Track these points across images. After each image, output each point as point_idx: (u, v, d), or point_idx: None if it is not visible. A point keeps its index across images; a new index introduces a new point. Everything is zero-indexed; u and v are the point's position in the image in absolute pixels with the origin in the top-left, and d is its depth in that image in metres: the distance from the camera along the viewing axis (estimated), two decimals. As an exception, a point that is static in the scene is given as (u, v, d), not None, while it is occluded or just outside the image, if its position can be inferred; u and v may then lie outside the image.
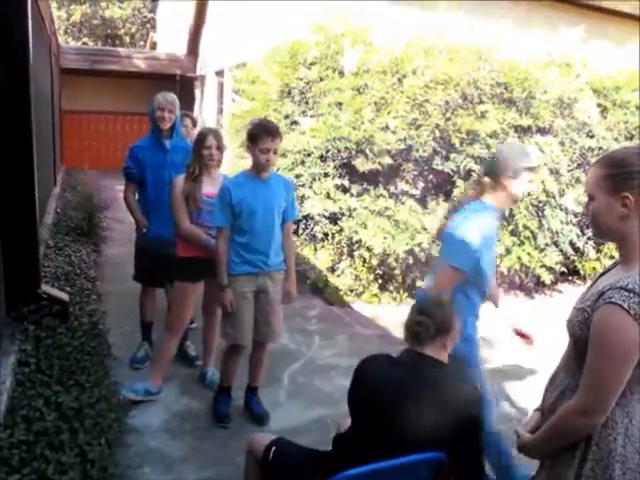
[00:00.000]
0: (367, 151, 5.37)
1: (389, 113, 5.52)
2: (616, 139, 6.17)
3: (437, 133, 5.54)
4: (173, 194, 3.49)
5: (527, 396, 3.22)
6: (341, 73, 5.92)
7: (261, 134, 3.08)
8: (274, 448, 2.17)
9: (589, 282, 1.75)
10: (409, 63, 5.75)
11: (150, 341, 4.20)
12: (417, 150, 5.50)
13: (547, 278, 5.90)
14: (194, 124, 4.88)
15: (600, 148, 6.02)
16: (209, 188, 3.46)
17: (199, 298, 3.77)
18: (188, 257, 3.50)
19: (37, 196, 3.39)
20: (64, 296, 3.58)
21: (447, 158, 5.65)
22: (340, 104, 5.70)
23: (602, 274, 1.69)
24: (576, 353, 1.61)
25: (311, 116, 5.84)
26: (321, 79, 5.96)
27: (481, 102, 5.74)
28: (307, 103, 6.01)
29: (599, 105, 6.23)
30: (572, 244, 6.05)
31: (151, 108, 3.91)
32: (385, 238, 5.34)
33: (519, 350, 4.71)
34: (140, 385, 3.52)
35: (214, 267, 3.37)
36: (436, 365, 1.98)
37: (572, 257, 6.12)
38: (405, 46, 5.93)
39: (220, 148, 3.51)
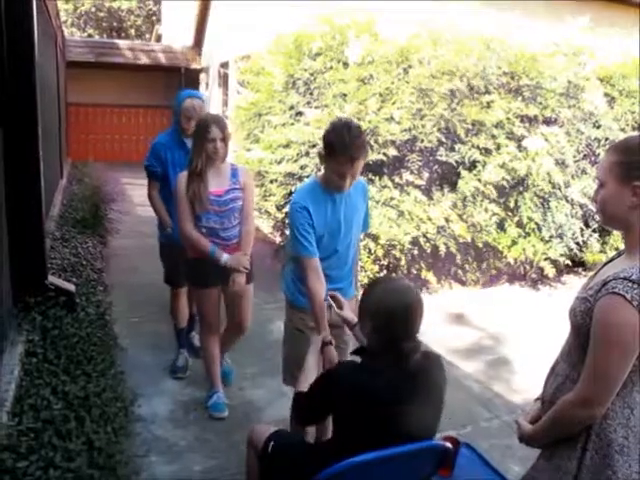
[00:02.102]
0: (372, 142, 5.35)
1: (394, 104, 5.51)
2: (623, 129, 6.12)
3: (442, 123, 5.52)
4: (177, 193, 3.15)
5: (530, 386, 3.23)
6: (346, 64, 5.90)
7: (338, 152, 2.37)
8: (272, 443, 2.16)
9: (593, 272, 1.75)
10: (415, 53, 5.73)
11: (187, 347, 4.09)
12: (422, 141, 5.49)
13: (550, 271, 5.88)
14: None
15: (607, 139, 5.98)
16: (216, 185, 3.17)
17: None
18: (197, 258, 3.25)
19: (43, 188, 3.41)
20: (71, 287, 3.59)
21: (452, 149, 5.64)
22: (345, 95, 5.68)
23: (606, 263, 1.68)
24: (578, 343, 1.61)
25: (316, 107, 5.83)
26: (326, 70, 5.95)
27: (487, 92, 5.71)
28: (312, 94, 5.99)
29: (606, 95, 6.18)
30: (576, 236, 6.02)
31: (177, 106, 3.72)
32: (391, 227, 5.34)
33: (522, 340, 4.72)
34: (216, 399, 3.42)
35: (228, 272, 3.16)
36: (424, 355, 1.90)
37: (577, 249, 6.09)
38: (411, 36, 5.90)
39: (225, 139, 3.13)
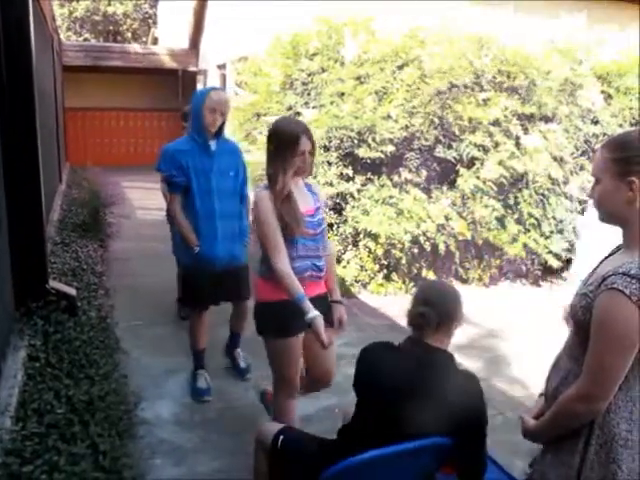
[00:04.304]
0: (369, 140, 5.36)
1: (390, 102, 5.52)
2: (621, 125, 6.14)
3: (438, 121, 5.53)
4: (263, 218, 2.50)
5: (533, 382, 3.24)
6: (342, 63, 5.91)
7: None
8: (282, 437, 2.19)
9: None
10: (409, 52, 5.74)
11: (234, 368, 3.83)
12: (419, 138, 5.50)
13: (555, 263, 5.90)
14: None
15: (605, 134, 5.99)
16: (303, 204, 2.59)
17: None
18: (282, 301, 2.49)
19: (43, 193, 3.42)
20: (72, 291, 3.60)
21: (450, 146, 5.65)
22: (342, 94, 5.69)
23: (605, 258, 1.68)
24: (579, 338, 1.61)
25: (313, 107, 5.84)
26: (323, 70, 5.96)
27: (483, 90, 5.72)
28: (309, 94, 6.01)
29: (603, 92, 6.20)
30: (576, 231, 6.04)
31: (197, 105, 3.29)
32: (390, 225, 5.36)
33: (525, 336, 4.73)
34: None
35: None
36: (438, 353, 1.97)
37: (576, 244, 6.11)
38: (405, 35, 5.91)
39: (313, 151, 2.57)
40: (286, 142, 2.49)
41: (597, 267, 1.67)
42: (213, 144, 3.36)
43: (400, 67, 5.72)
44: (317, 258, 2.62)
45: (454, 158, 5.63)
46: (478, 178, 5.57)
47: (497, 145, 5.64)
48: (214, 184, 3.33)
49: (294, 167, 2.51)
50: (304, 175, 2.64)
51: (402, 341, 2.05)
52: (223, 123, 3.36)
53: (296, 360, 2.66)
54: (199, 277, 3.44)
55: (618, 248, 1.67)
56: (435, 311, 1.95)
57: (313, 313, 2.39)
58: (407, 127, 5.43)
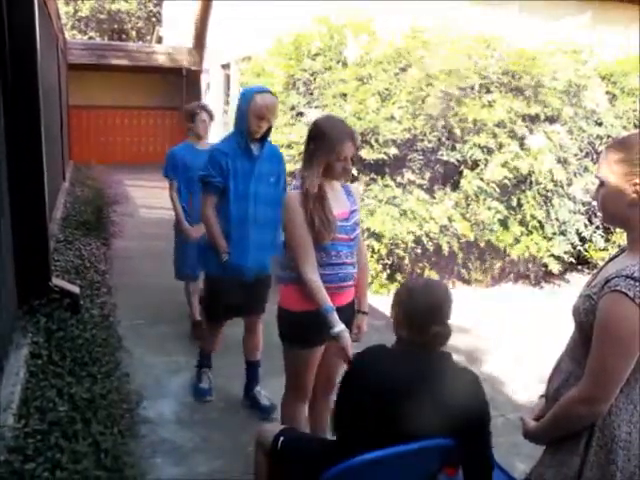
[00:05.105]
0: (372, 141, 5.36)
1: (394, 103, 5.51)
2: (625, 127, 6.12)
3: (442, 123, 5.53)
4: (292, 221, 2.39)
5: (534, 384, 3.23)
6: (345, 64, 5.91)
7: None
8: (282, 438, 2.18)
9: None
10: (412, 52, 5.74)
11: (250, 402, 3.54)
12: (422, 140, 5.49)
13: (555, 267, 5.88)
14: (212, 118, 4.49)
15: (609, 136, 5.97)
16: (337, 207, 2.44)
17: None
18: (307, 311, 2.40)
19: (47, 191, 3.42)
20: (75, 289, 3.60)
21: (453, 148, 5.64)
22: (345, 95, 5.69)
23: (609, 260, 1.68)
24: (582, 340, 1.61)
25: (316, 107, 5.84)
26: (325, 70, 5.96)
27: (488, 91, 5.71)
28: (312, 94, 6.00)
29: (607, 92, 6.18)
30: (580, 233, 6.02)
31: (242, 108, 3.08)
32: (394, 225, 5.35)
33: (527, 338, 4.72)
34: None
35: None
36: (436, 353, 1.96)
37: (580, 246, 6.09)
38: (408, 35, 5.91)
39: (355, 156, 2.46)
40: (330, 145, 2.35)
41: (601, 269, 1.67)
42: (256, 148, 3.16)
43: (403, 69, 5.72)
44: (351, 265, 2.49)
45: (457, 160, 5.62)
46: (481, 179, 5.56)
47: (501, 146, 5.64)
48: (252, 189, 3.14)
49: (333, 172, 2.38)
50: (342, 180, 2.52)
51: (397, 342, 2.02)
52: (269, 128, 3.17)
53: (313, 369, 2.60)
54: (226, 285, 3.21)
55: (622, 250, 1.67)
56: (447, 328, 1.94)
57: (339, 327, 2.31)
58: (410, 129, 5.42)
